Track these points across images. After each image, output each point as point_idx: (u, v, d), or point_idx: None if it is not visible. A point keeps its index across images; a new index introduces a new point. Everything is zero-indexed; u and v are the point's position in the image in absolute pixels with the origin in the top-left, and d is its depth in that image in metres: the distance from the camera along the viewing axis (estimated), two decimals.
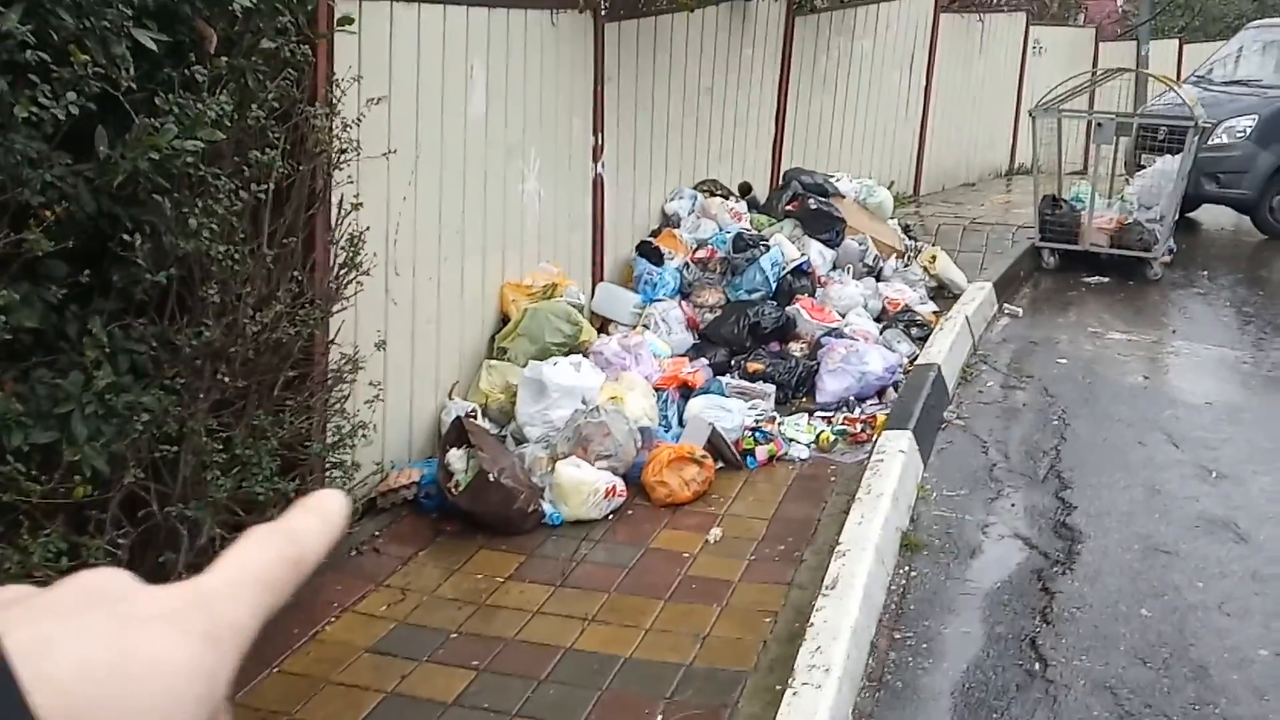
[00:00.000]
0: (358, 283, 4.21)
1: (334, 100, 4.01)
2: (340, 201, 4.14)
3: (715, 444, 5.35)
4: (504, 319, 5.71)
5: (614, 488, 4.84)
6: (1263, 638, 4.02)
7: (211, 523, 3.52)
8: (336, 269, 4.12)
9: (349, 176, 4.19)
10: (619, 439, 4.98)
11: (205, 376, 3.55)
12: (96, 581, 0.47)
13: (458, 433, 4.77)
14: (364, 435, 4.29)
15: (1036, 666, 3.82)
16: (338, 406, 4.24)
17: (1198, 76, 13.63)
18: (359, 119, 4.11)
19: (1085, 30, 18.20)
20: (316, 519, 0.53)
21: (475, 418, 5.09)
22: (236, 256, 3.52)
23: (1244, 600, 4.29)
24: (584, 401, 5.17)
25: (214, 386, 3.56)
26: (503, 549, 4.55)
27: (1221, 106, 11.71)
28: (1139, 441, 5.92)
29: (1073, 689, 3.70)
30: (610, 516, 4.84)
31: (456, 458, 4.62)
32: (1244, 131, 11.71)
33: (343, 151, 4.04)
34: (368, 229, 4.25)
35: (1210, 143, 11.02)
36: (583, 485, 4.74)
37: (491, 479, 4.46)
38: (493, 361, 5.48)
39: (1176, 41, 21.69)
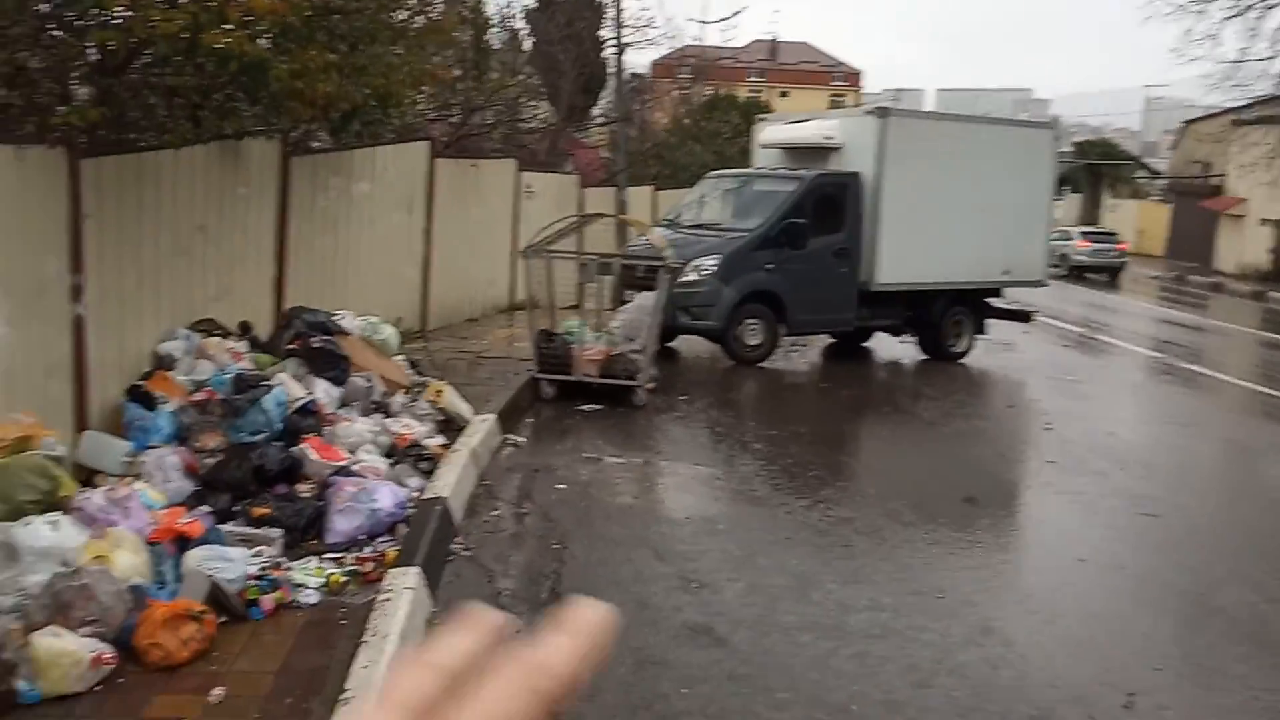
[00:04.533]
0: None
1: None
2: None
3: (216, 597, 5.11)
4: None
5: (101, 655, 4.46)
6: None
7: None
8: None
9: None
10: (105, 601, 4.61)
11: None
12: None
13: None
14: None
15: None
16: None
17: (668, 220, 15.21)
18: None
19: (572, 176, 19.80)
20: (570, 638, 0.52)
21: None
22: None
23: (723, 702, 4.74)
24: (64, 563, 4.75)
25: None
26: None
27: (690, 247, 13.15)
28: (629, 558, 6.41)
29: None
30: (98, 688, 4.44)
31: None
32: (709, 270, 13.20)
33: None
34: None
35: (682, 279, 12.31)
36: (63, 656, 4.33)
37: None
38: None
39: (651, 187, 24.18)
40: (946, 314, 15.09)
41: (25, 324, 5.74)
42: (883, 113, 14.43)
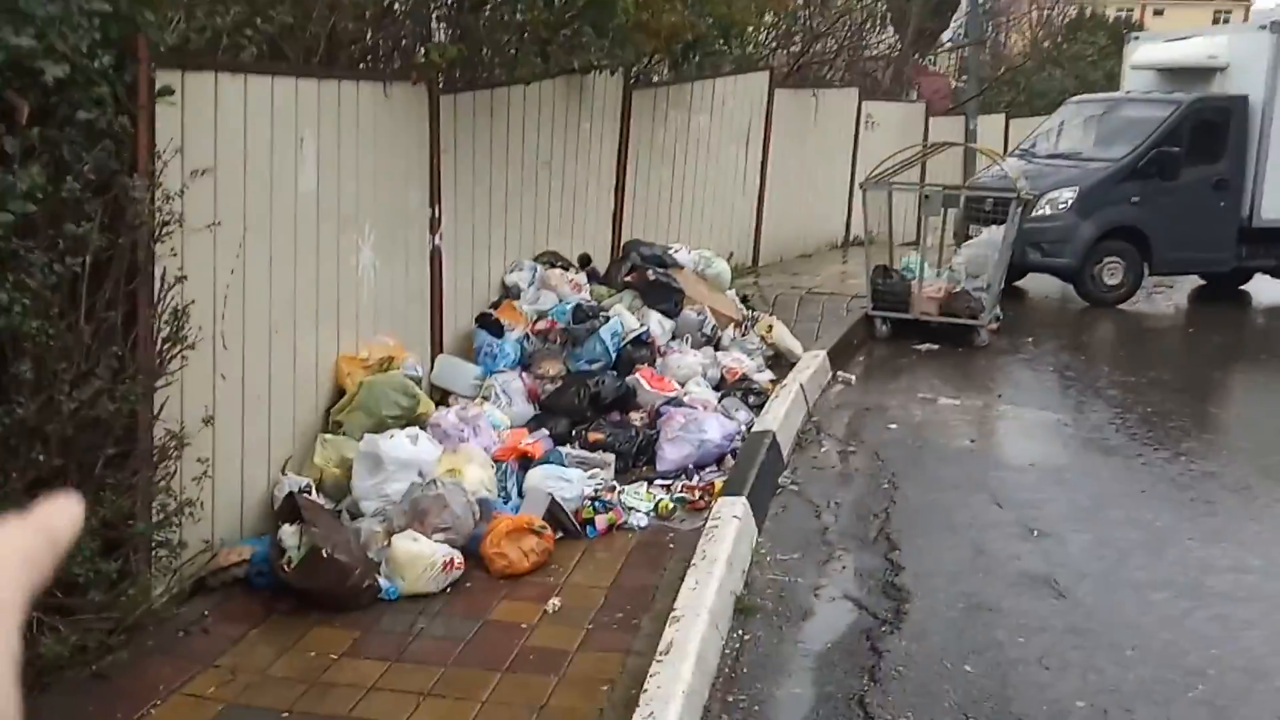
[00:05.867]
0: (183, 357, 4.12)
1: (155, 172, 3.95)
2: (163, 274, 4.06)
3: (555, 514, 5.36)
4: (339, 392, 5.63)
5: (452, 560, 4.80)
6: (1080, 690, 4.18)
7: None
8: (160, 343, 4.03)
9: (172, 249, 4.11)
10: (457, 511, 4.95)
11: (20, 456, 3.42)
12: None
13: (290, 508, 4.68)
14: (191, 513, 4.18)
15: None
16: (163, 484, 4.12)
17: (1022, 150, 14.35)
18: (182, 191, 4.05)
19: (916, 105, 19.06)
20: (59, 514, 0.59)
21: (309, 493, 4.99)
22: (51, 332, 3.42)
23: (1063, 654, 4.47)
24: (421, 474, 5.13)
25: (29, 466, 3.43)
26: (337, 625, 4.46)
27: (1044, 178, 12.34)
28: (965, 503, 6.16)
29: None
30: (448, 589, 4.79)
31: (289, 534, 4.52)
32: (1066, 203, 12.35)
33: (165, 224, 3.97)
34: (193, 302, 4.18)
35: (1034, 214, 11.60)
36: (419, 559, 4.69)
37: (325, 555, 4.38)
38: (327, 436, 5.39)
39: (1003, 116, 22.92)
40: None
41: (390, 254, 6.19)
42: (1279, 27, 12.92)
